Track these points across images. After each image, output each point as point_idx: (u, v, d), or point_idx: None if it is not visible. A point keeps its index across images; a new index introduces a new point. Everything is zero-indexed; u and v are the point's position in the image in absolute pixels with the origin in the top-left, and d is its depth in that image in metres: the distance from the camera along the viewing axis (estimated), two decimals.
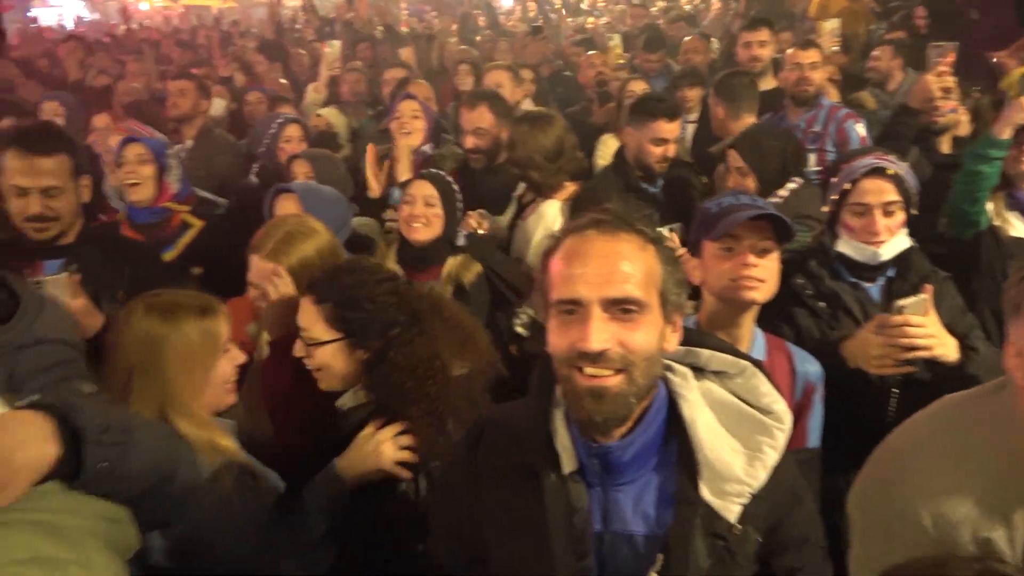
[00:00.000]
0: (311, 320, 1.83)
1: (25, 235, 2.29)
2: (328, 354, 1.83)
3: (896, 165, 2.22)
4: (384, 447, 1.75)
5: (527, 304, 2.89)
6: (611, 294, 1.18)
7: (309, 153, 3.41)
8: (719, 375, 1.31)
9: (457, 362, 1.82)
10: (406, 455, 1.76)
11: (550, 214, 3.24)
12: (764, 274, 1.86)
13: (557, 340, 1.22)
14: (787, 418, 1.27)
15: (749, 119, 3.63)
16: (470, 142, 3.66)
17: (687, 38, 6.00)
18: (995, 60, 4.93)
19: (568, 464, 1.26)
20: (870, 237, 2.18)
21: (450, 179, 2.89)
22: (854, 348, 2.02)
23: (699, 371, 1.32)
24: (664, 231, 2.68)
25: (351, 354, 1.83)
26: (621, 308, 1.19)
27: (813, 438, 1.94)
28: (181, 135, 4.42)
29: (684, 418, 1.25)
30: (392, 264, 2.90)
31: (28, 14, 13.29)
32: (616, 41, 4.88)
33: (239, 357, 1.80)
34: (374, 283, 1.85)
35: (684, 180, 3.44)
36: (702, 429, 1.24)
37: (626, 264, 1.20)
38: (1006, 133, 2.84)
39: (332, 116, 4.69)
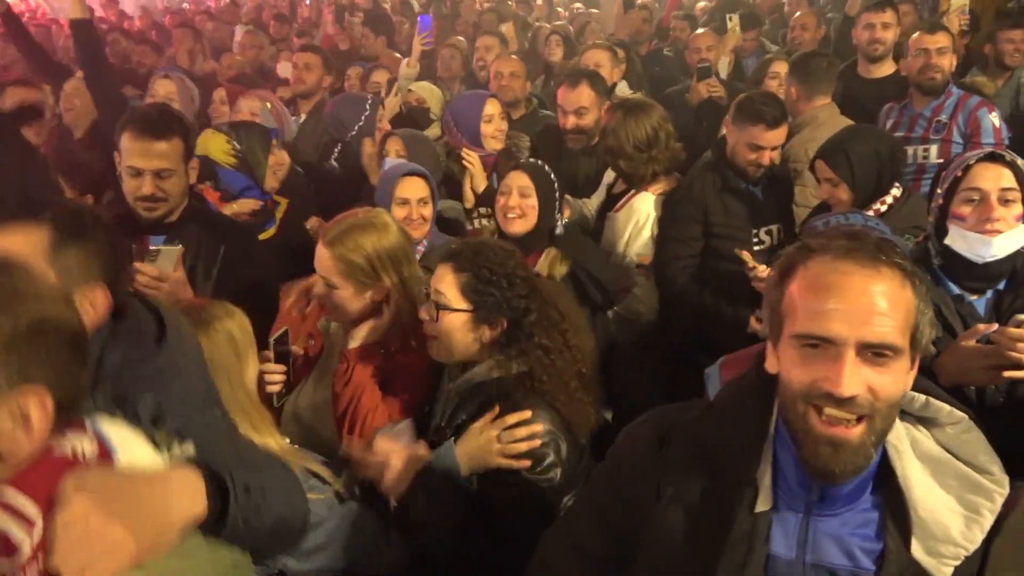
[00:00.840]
0: (447, 285, 1.87)
1: (136, 213, 2.37)
2: (454, 323, 1.86)
3: (1014, 156, 2.01)
4: (503, 436, 1.77)
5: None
6: (869, 339, 1.09)
7: (402, 132, 3.40)
8: (925, 421, 1.21)
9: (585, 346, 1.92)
10: (523, 446, 1.76)
11: (643, 210, 3.15)
12: None
13: (798, 374, 1.13)
14: (1006, 481, 1.18)
15: (822, 100, 3.66)
16: (571, 122, 3.59)
17: (798, 13, 5.64)
18: None
19: (763, 504, 1.20)
20: (985, 227, 1.94)
21: (547, 168, 2.83)
22: (949, 362, 1.84)
23: (903, 414, 1.21)
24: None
25: (474, 328, 1.86)
26: (875, 352, 1.10)
27: None
28: (297, 108, 4.47)
29: (895, 470, 1.17)
30: None
31: None
32: (735, 22, 4.62)
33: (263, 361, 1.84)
34: (513, 265, 1.89)
35: (787, 180, 3.28)
36: (916, 486, 1.16)
37: (886, 304, 1.10)
38: None
39: (425, 91, 4.63)
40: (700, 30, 5.67)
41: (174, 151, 2.35)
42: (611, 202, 3.32)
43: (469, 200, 3.34)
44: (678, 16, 7.22)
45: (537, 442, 1.77)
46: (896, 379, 1.12)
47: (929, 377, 1.75)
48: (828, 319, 1.10)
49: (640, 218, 3.14)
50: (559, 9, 9.84)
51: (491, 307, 1.85)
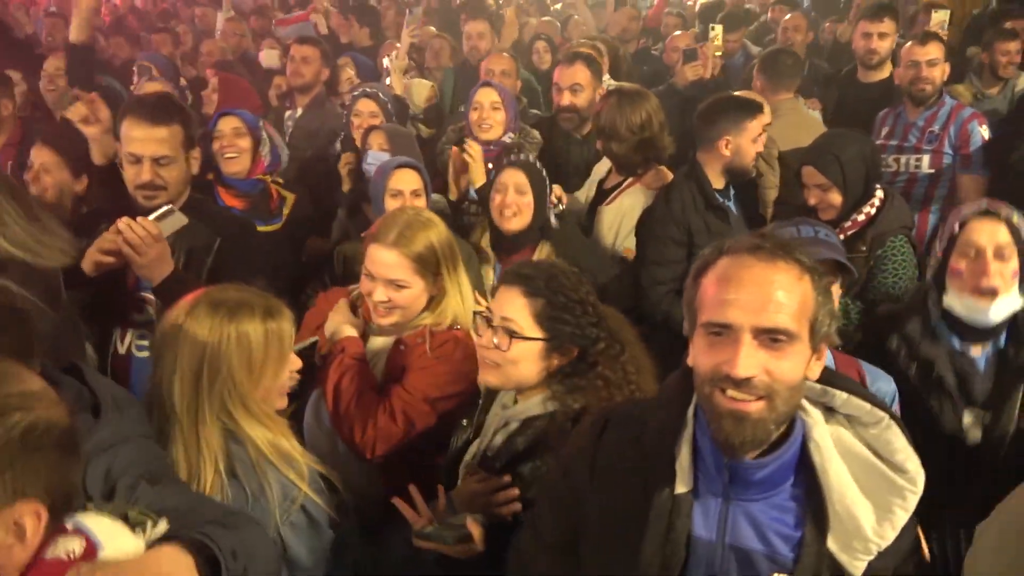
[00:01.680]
0: (518, 310, 1.72)
1: (135, 201, 2.30)
2: (525, 352, 1.72)
3: (1009, 210, 2.06)
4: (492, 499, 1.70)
5: None
6: (763, 323, 1.19)
7: (386, 126, 3.38)
8: (851, 420, 1.28)
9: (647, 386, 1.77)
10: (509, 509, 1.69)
11: (635, 205, 3.13)
12: None
13: (703, 359, 1.24)
14: (920, 479, 1.25)
15: (785, 95, 3.87)
16: (566, 99, 3.65)
17: (788, 16, 5.68)
18: None
19: (682, 485, 1.28)
20: (981, 282, 2.00)
21: (540, 165, 2.86)
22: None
23: (830, 412, 1.29)
24: None
25: (545, 358, 1.74)
26: (771, 337, 1.19)
27: None
28: (293, 101, 4.36)
29: (814, 464, 1.24)
30: (487, 248, 2.90)
31: None
32: (718, 33, 4.66)
33: (297, 363, 1.75)
34: (586, 291, 1.77)
35: (750, 190, 3.29)
36: (833, 479, 1.23)
37: (781, 294, 1.20)
38: None
39: (412, 85, 4.60)
40: (677, 32, 5.71)
41: (174, 138, 2.29)
42: (601, 196, 3.32)
43: (453, 192, 3.35)
44: (670, 13, 7.24)
45: None
46: (793, 364, 1.20)
47: None
48: (728, 307, 1.20)
49: (631, 213, 3.13)
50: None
51: (566, 336, 1.72)
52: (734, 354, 1.18)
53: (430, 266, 2.10)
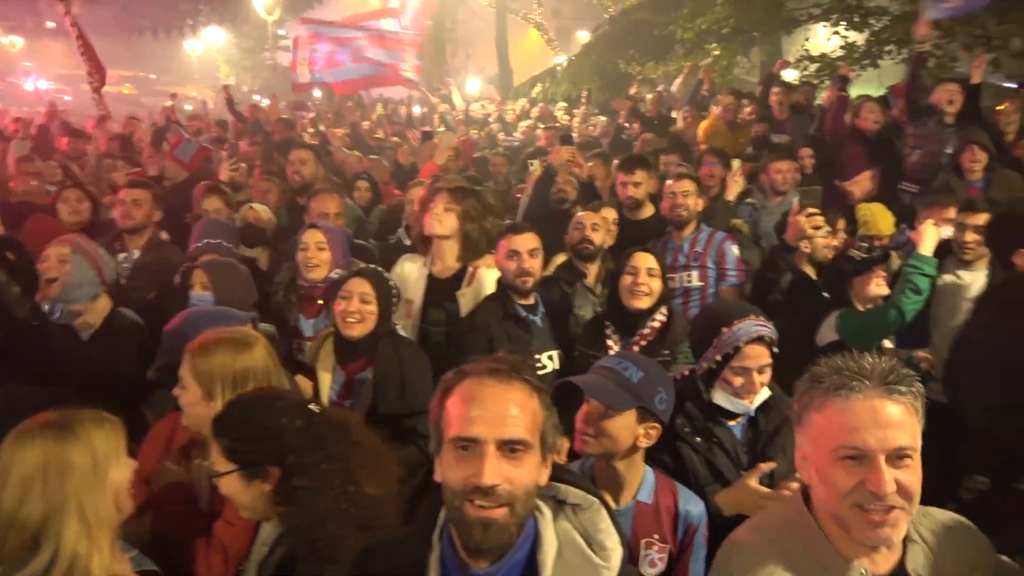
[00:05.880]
0: (214, 453, 1.91)
1: None
2: (229, 485, 1.89)
3: (770, 330, 2.55)
4: None
5: None
6: (504, 435, 1.37)
7: (207, 263, 3.41)
8: (575, 509, 1.50)
9: (372, 481, 1.89)
10: None
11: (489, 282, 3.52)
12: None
13: (453, 474, 1.38)
14: (615, 556, 1.47)
15: None
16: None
17: (590, 163, 6.17)
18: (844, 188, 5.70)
19: None
20: (746, 394, 2.49)
21: (387, 275, 3.07)
22: (729, 499, 2.37)
23: (560, 504, 1.51)
24: None
25: (249, 485, 1.88)
26: (510, 448, 1.37)
27: None
28: (124, 244, 4.30)
29: (539, 560, 1.42)
30: (328, 355, 3.03)
31: None
32: (536, 167, 5.18)
33: (132, 464, 1.82)
34: (267, 413, 1.91)
35: (565, 305, 3.71)
36: (548, 571, 1.41)
37: (516, 409, 1.39)
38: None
39: (263, 211, 4.71)
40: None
41: None
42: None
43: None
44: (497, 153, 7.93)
45: None
46: (529, 471, 1.40)
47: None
48: (473, 423, 1.38)
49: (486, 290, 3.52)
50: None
51: (249, 460, 1.87)
52: (481, 466, 1.34)
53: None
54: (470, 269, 3.66)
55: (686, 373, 2.70)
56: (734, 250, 4.25)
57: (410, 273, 3.73)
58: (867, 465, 1.42)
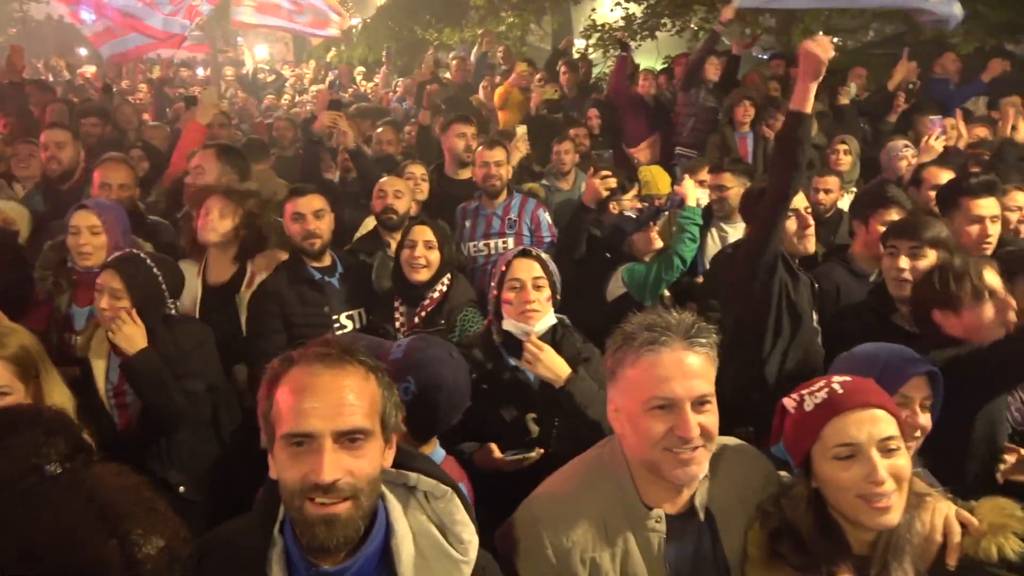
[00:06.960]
0: None
1: None
2: None
3: (540, 251, 2.71)
4: None
5: None
6: (342, 427, 1.27)
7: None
8: (427, 496, 1.43)
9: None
10: None
11: None
12: None
13: (289, 473, 1.27)
14: (472, 549, 1.43)
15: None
16: None
17: (380, 128, 6.12)
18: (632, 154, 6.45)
19: None
20: (525, 307, 2.56)
21: (144, 259, 2.86)
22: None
23: (411, 491, 1.43)
24: None
25: None
26: (349, 438, 1.28)
27: None
28: None
29: (393, 550, 1.35)
30: (102, 343, 2.86)
31: None
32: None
33: None
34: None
35: (364, 269, 3.69)
36: (405, 565, 1.35)
37: (352, 396, 1.29)
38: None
39: (11, 209, 4.07)
40: None
41: None
42: None
43: None
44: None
45: None
46: (371, 460, 1.31)
47: None
48: (307, 416, 1.26)
49: None
50: None
51: None
52: (319, 462, 1.24)
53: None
54: (250, 271, 3.47)
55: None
56: (547, 216, 4.42)
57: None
58: (675, 413, 1.55)
